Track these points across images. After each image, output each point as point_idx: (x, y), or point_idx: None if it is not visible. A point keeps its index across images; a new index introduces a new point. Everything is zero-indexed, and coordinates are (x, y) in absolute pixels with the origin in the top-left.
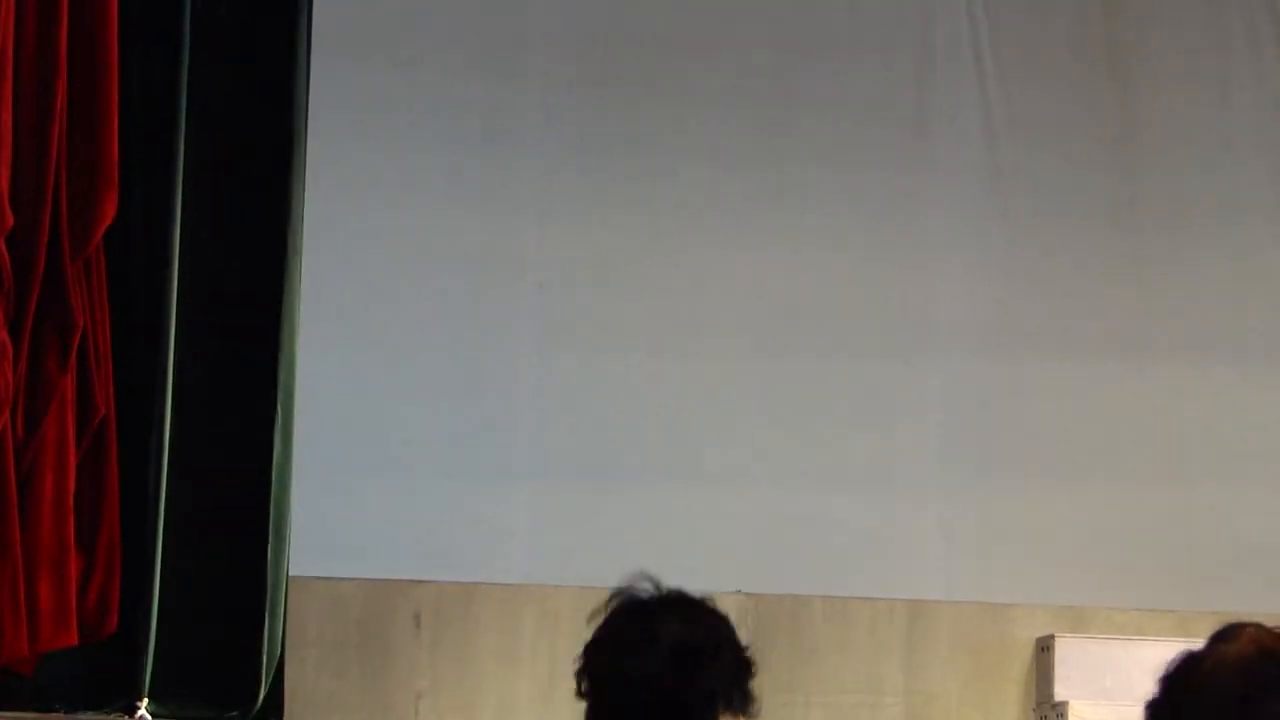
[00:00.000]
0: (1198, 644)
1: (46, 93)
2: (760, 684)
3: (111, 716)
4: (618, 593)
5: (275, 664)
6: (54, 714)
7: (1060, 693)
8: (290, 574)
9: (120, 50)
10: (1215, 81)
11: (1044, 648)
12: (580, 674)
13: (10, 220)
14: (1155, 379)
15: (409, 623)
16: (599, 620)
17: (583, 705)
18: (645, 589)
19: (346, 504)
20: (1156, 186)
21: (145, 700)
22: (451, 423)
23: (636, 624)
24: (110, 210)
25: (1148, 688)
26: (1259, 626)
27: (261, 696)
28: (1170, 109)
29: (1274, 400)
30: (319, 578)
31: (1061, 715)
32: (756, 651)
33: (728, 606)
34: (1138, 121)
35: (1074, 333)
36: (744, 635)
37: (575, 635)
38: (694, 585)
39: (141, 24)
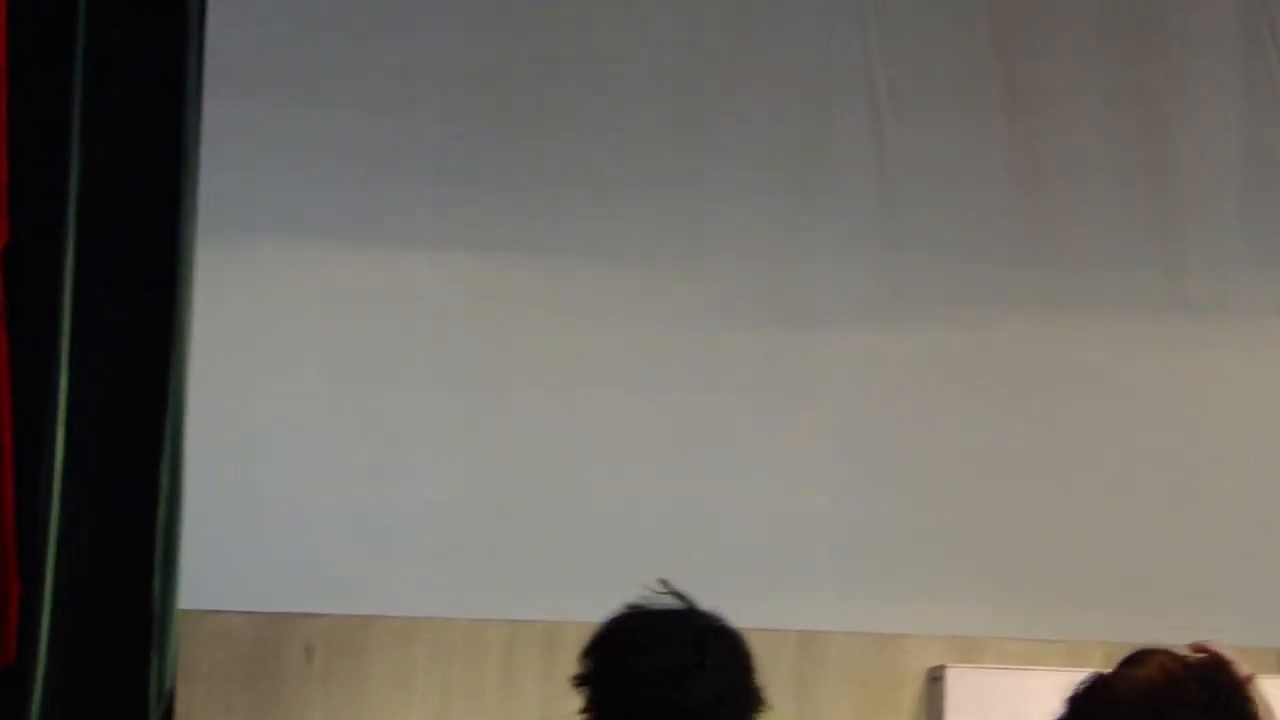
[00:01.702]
0: (1086, 674)
1: None
2: None
3: None
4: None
5: (165, 698)
6: None
7: None
8: (180, 607)
9: (9, 78)
10: (1105, 113)
11: (935, 678)
12: (588, 669)
13: None
14: (1047, 411)
15: (300, 656)
16: (614, 616)
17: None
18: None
19: (237, 536)
20: (1051, 219)
21: None
22: (345, 455)
23: (650, 625)
24: (2, 236)
25: (1038, 718)
26: (1168, 653)
27: None
28: (1062, 141)
29: (1162, 432)
30: (209, 611)
31: None
32: None
33: None
34: (1032, 154)
35: (968, 367)
36: None
37: (468, 668)
38: (589, 617)
39: (32, 53)
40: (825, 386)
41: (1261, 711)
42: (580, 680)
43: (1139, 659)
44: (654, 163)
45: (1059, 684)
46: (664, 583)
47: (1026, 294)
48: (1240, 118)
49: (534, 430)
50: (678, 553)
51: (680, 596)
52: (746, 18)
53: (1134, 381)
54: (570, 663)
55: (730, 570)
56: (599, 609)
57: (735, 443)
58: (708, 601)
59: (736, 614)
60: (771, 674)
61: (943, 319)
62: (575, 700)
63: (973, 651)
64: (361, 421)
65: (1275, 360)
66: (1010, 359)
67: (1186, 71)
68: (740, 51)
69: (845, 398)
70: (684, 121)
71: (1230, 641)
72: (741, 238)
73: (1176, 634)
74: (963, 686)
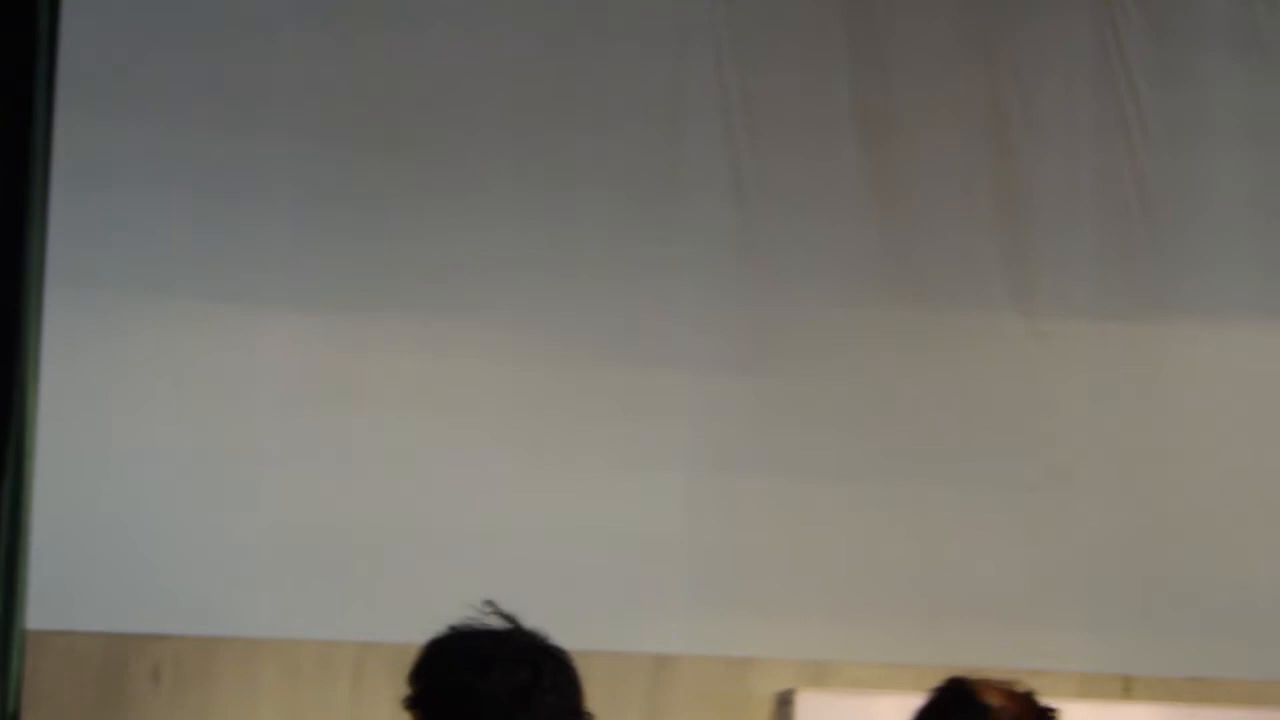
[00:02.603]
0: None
1: None
2: None
3: None
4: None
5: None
6: None
7: None
8: (26, 627)
9: None
10: (957, 139)
11: (784, 702)
12: (420, 691)
13: None
14: (898, 435)
15: (147, 677)
16: (440, 637)
17: None
18: (491, 620)
19: (85, 556)
20: (905, 245)
21: None
22: (194, 475)
23: (482, 645)
24: None
25: None
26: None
27: None
28: (916, 167)
29: (1009, 458)
30: (55, 631)
31: None
32: None
33: None
34: (886, 180)
35: (821, 392)
36: None
37: (316, 689)
38: None
39: None
40: (678, 409)
41: None
42: (413, 702)
43: (979, 689)
44: (503, 186)
45: (908, 708)
46: (490, 603)
47: (881, 320)
48: (1091, 144)
49: (383, 453)
50: (529, 576)
51: (507, 617)
52: (599, 43)
53: (982, 406)
54: None
55: (582, 593)
56: None
57: (587, 466)
58: (562, 624)
59: (589, 637)
60: (624, 697)
61: (798, 344)
62: None
63: (823, 675)
64: (210, 442)
65: (1120, 385)
66: (863, 384)
67: (1038, 98)
68: (594, 77)
69: (698, 421)
70: (537, 147)
71: (1074, 667)
72: (595, 263)
73: (1023, 659)
74: (812, 710)
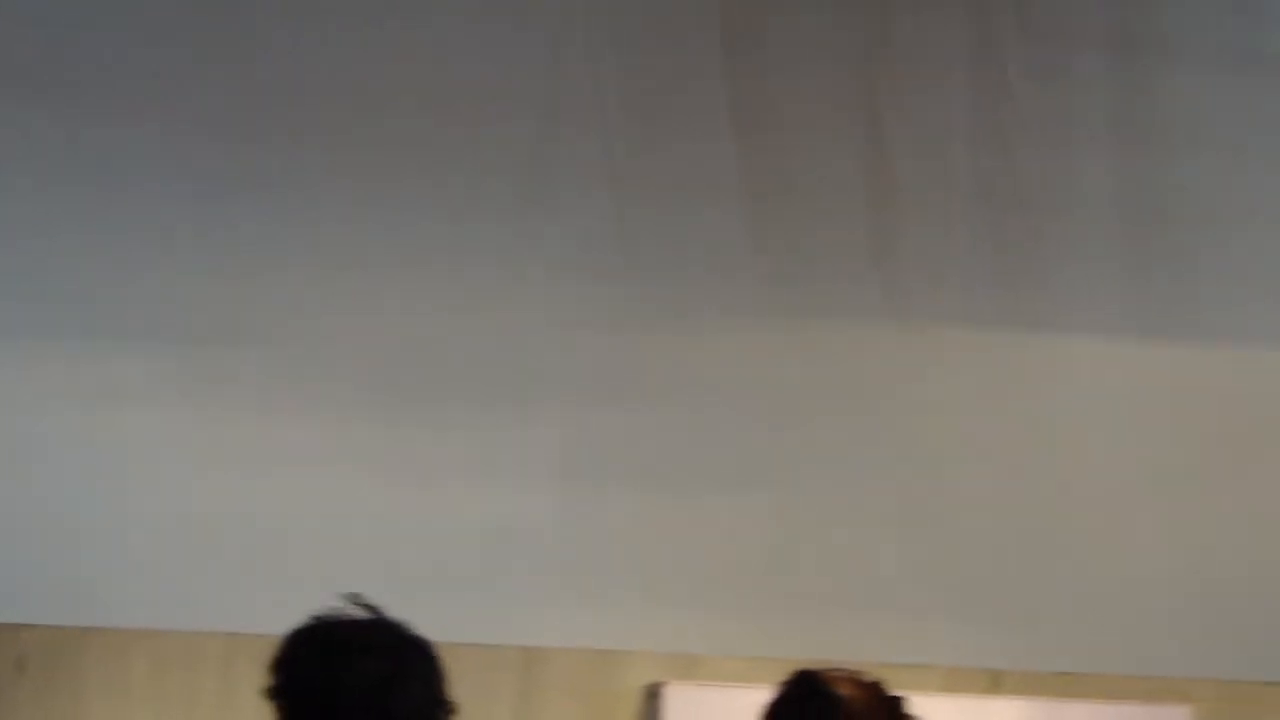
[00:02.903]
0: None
1: None
2: None
3: None
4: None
5: None
6: None
7: None
8: None
9: None
10: (830, 134)
11: (653, 694)
12: (282, 681)
13: None
14: (771, 426)
15: (11, 669)
16: (302, 628)
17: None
18: (353, 611)
19: None
20: (781, 239)
21: None
22: (62, 465)
23: (346, 635)
24: None
25: None
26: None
27: None
28: (791, 162)
29: (881, 448)
30: None
31: None
32: None
33: None
34: (761, 175)
35: (694, 382)
36: None
37: (185, 680)
38: None
39: None
40: (550, 399)
41: None
42: (274, 693)
43: (829, 680)
44: (383, 171)
45: None
46: (353, 595)
47: (756, 311)
48: (966, 138)
49: (252, 444)
50: (398, 568)
51: (369, 608)
52: (474, 38)
53: (856, 397)
54: None
55: (451, 586)
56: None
57: (456, 456)
58: (430, 617)
59: (457, 629)
60: (493, 690)
61: (672, 336)
62: None
63: (692, 668)
64: (78, 432)
65: (991, 378)
66: (737, 374)
67: (914, 96)
68: (468, 71)
69: (570, 411)
70: (411, 140)
71: (941, 660)
72: (471, 250)
73: (890, 652)
74: (680, 703)
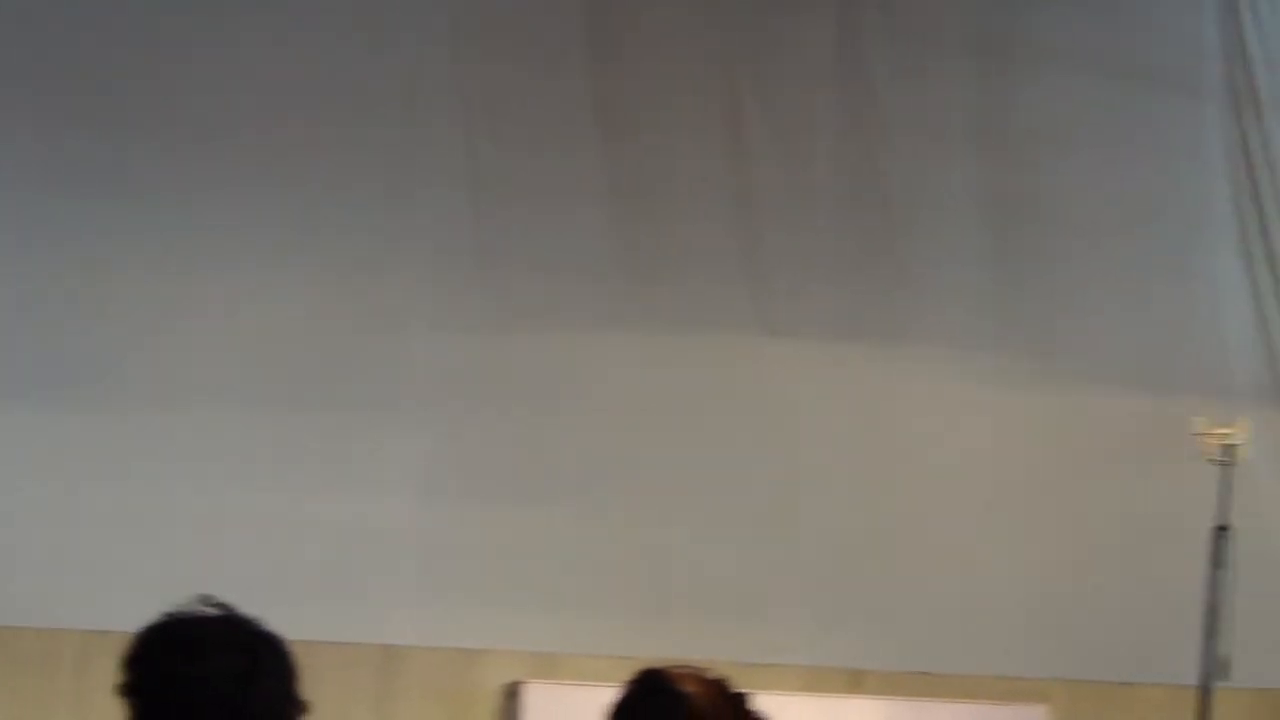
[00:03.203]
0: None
1: None
2: None
3: None
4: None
5: None
6: None
7: None
8: None
9: None
10: (694, 138)
11: (512, 693)
12: (136, 678)
13: None
14: (633, 429)
15: None
16: (155, 625)
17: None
18: (205, 609)
19: None
20: (647, 241)
21: None
22: None
23: (200, 631)
24: None
25: None
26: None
27: None
28: (655, 165)
29: (739, 452)
30: None
31: None
32: None
33: None
34: (627, 176)
35: (557, 384)
36: None
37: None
38: None
39: None
40: (410, 403)
41: None
42: (127, 690)
43: (674, 678)
44: (245, 170)
45: None
46: (205, 594)
47: (621, 313)
48: (828, 147)
49: (113, 443)
50: (259, 566)
51: (222, 605)
52: (338, 39)
53: (718, 402)
54: None
55: (311, 585)
56: None
57: (317, 458)
58: (290, 615)
59: (318, 628)
60: (352, 688)
61: (536, 336)
62: None
63: (552, 668)
64: None
65: (852, 384)
66: (599, 378)
67: (778, 98)
68: (331, 73)
69: (431, 414)
70: (277, 131)
71: (799, 660)
72: (331, 252)
73: (752, 652)
74: (540, 702)
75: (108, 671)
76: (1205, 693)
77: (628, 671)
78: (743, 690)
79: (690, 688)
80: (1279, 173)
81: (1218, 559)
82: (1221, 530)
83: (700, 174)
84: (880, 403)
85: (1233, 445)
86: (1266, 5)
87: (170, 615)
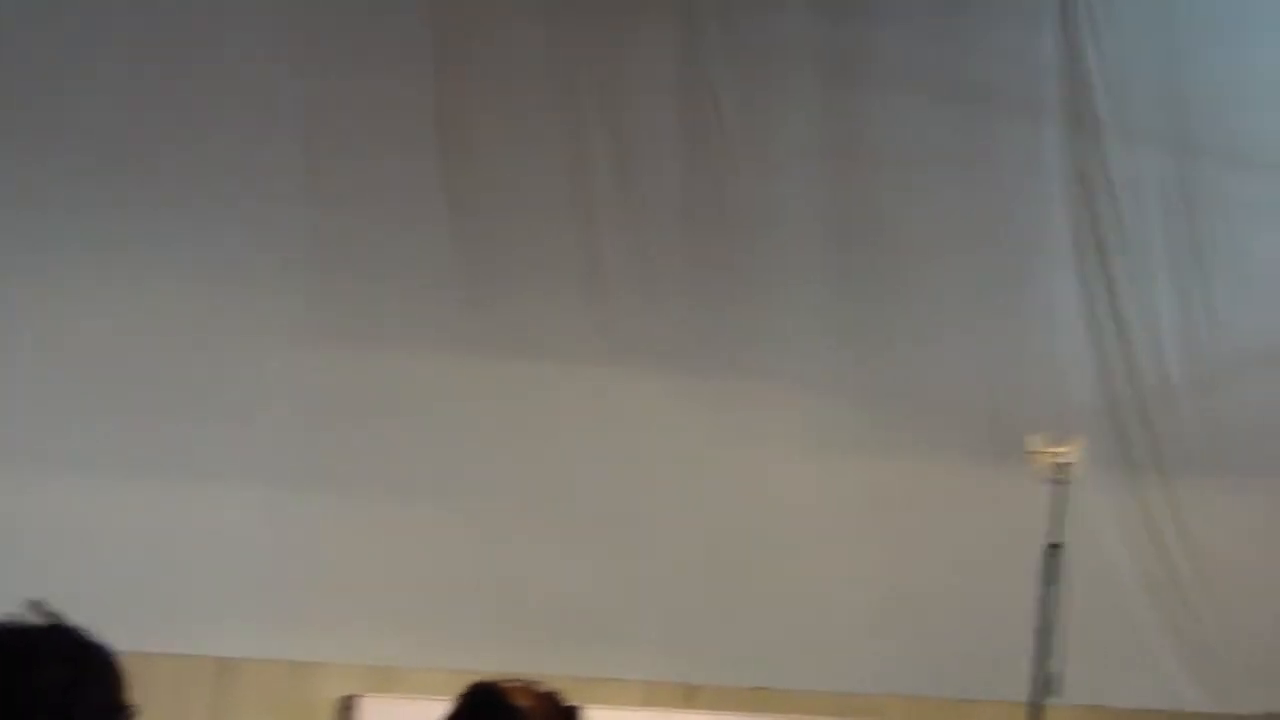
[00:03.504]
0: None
1: None
2: None
3: None
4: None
5: None
6: None
7: None
8: None
9: None
10: (535, 149)
11: (347, 706)
12: None
13: None
14: (469, 443)
15: None
16: None
17: None
18: (31, 618)
19: None
20: (484, 254)
21: None
22: None
23: (27, 641)
24: None
25: None
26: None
27: None
28: (494, 177)
29: (581, 469)
30: None
31: None
32: None
33: None
34: (465, 187)
35: (404, 401)
36: None
37: None
38: None
39: None
40: (245, 413)
41: None
42: None
43: (506, 692)
44: (86, 181)
45: None
46: (34, 603)
47: (463, 327)
48: (671, 164)
49: None
50: (91, 577)
51: (49, 614)
52: (172, 46)
53: (559, 418)
54: None
55: (145, 595)
56: None
57: (151, 467)
58: (124, 627)
59: (151, 639)
60: (187, 701)
61: (376, 348)
62: None
63: (387, 681)
64: None
65: (688, 401)
66: (441, 391)
67: (623, 112)
68: (167, 80)
69: (267, 425)
70: (118, 141)
71: (636, 675)
72: (173, 261)
73: (589, 667)
74: (375, 715)
75: None
76: (1037, 709)
77: (464, 685)
78: (575, 704)
79: (523, 702)
80: (1115, 194)
81: (1050, 576)
82: (1054, 548)
83: (542, 189)
84: (720, 421)
85: (1066, 464)
86: (1106, 28)
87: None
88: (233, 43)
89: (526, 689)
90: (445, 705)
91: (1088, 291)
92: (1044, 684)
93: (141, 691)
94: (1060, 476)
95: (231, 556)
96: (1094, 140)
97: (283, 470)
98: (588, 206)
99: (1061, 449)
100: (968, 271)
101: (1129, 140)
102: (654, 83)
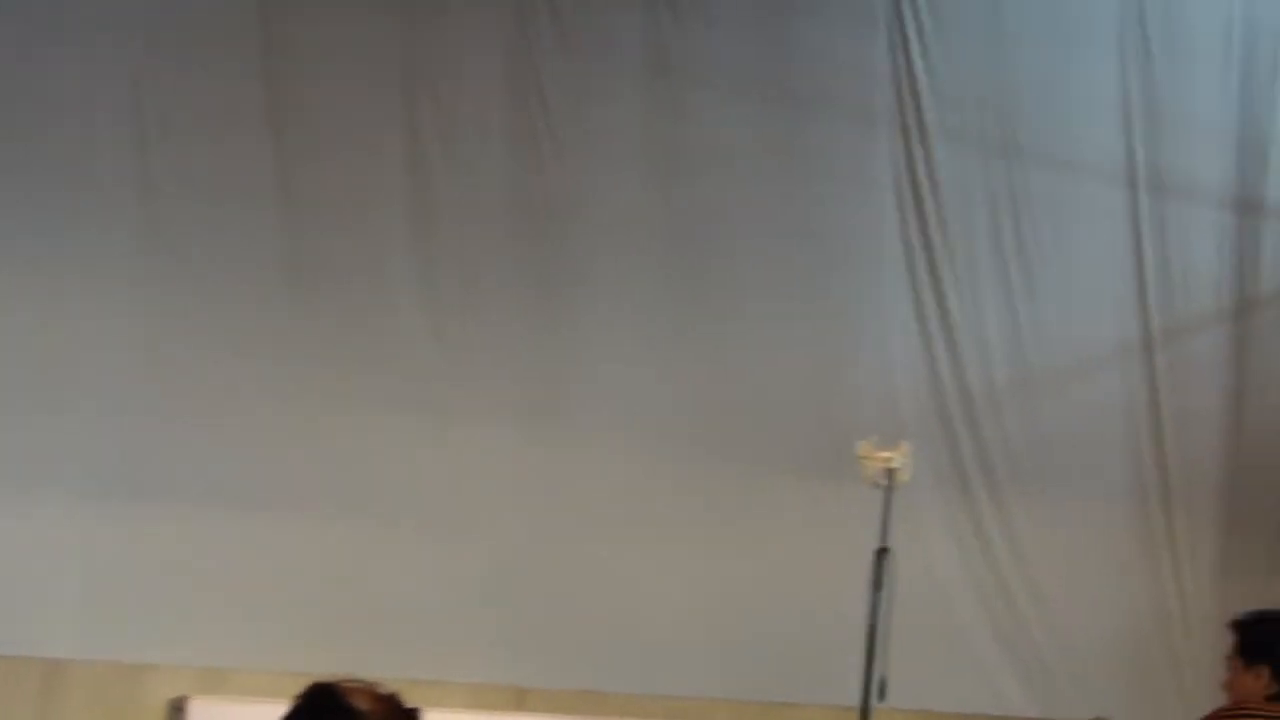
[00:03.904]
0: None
1: None
2: None
3: None
4: None
5: None
6: None
7: None
8: None
9: None
10: (371, 148)
11: (177, 708)
12: None
13: None
14: (300, 439)
15: None
16: None
17: None
18: None
19: None
20: (314, 246)
21: None
22: None
23: None
24: None
25: None
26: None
27: None
28: (329, 174)
29: (414, 485)
30: None
31: None
32: None
33: None
34: (296, 184)
35: (238, 396)
36: None
37: None
38: None
39: None
40: (77, 410)
41: None
42: None
43: (346, 693)
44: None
45: None
46: None
47: (289, 324)
48: (500, 161)
49: None
50: None
51: None
52: (24, 41)
53: (388, 416)
54: None
55: None
56: None
57: None
58: None
59: None
60: (12, 702)
61: (202, 344)
62: None
63: (218, 682)
64: None
65: (514, 397)
66: (267, 388)
67: (452, 110)
68: (9, 60)
69: (98, 422)
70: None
71: (469, 678)
72: (16, 264)
73: (418, 669)
74: (205, 717)
75: None
76: (865, 713)
77: (296, 687)
78: (415, 707)
79: (363, 704)
80: (943, 200)
81: (878, 581)
82: (882, 552)
83: (374, 185)
84: (547, 423)
85: (893, 469)
86: (934, 37)
87: None
88: (64, 28)
89: (367, 690)
90: (277, 707)
91: (918, 297)
92: (871, 688)
93: None
94: (887, 481)
95: (57, 558)
96: (921, 146)
97: (114, 468)
98: (421, 202)
99: (889, 454)
100: (799, 276)
101: (957, 146)
102: (483, 76)
